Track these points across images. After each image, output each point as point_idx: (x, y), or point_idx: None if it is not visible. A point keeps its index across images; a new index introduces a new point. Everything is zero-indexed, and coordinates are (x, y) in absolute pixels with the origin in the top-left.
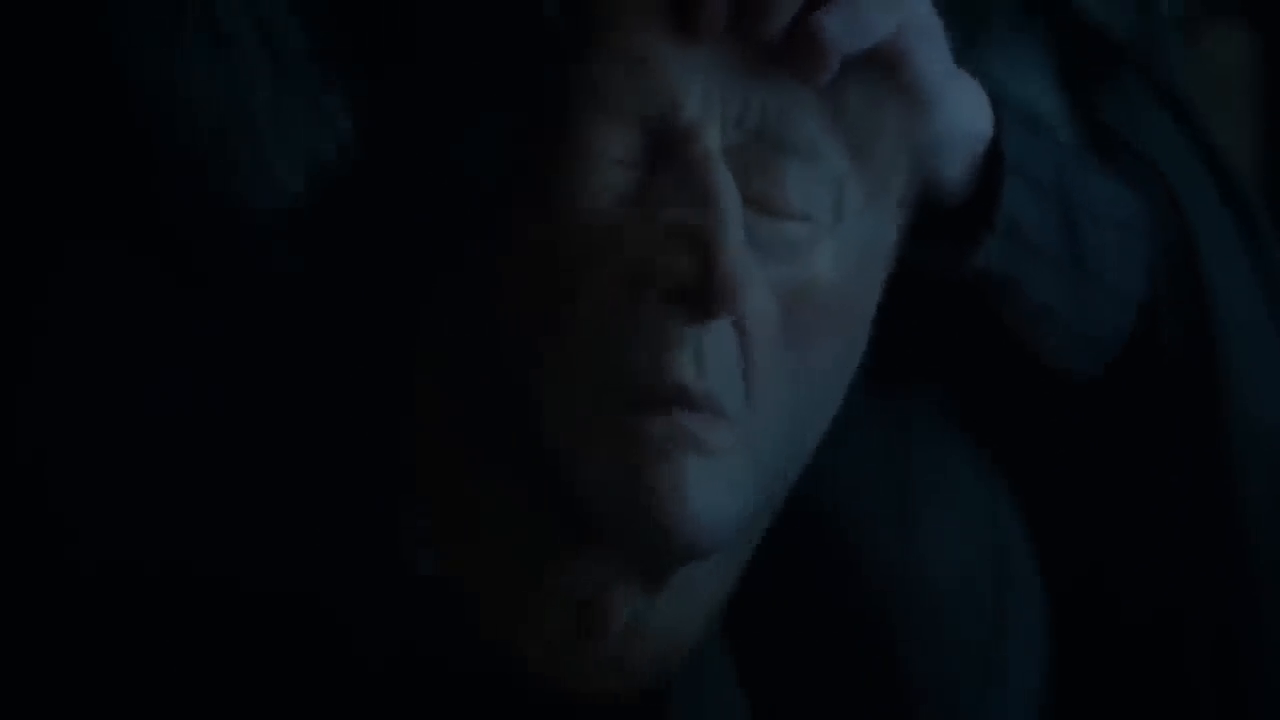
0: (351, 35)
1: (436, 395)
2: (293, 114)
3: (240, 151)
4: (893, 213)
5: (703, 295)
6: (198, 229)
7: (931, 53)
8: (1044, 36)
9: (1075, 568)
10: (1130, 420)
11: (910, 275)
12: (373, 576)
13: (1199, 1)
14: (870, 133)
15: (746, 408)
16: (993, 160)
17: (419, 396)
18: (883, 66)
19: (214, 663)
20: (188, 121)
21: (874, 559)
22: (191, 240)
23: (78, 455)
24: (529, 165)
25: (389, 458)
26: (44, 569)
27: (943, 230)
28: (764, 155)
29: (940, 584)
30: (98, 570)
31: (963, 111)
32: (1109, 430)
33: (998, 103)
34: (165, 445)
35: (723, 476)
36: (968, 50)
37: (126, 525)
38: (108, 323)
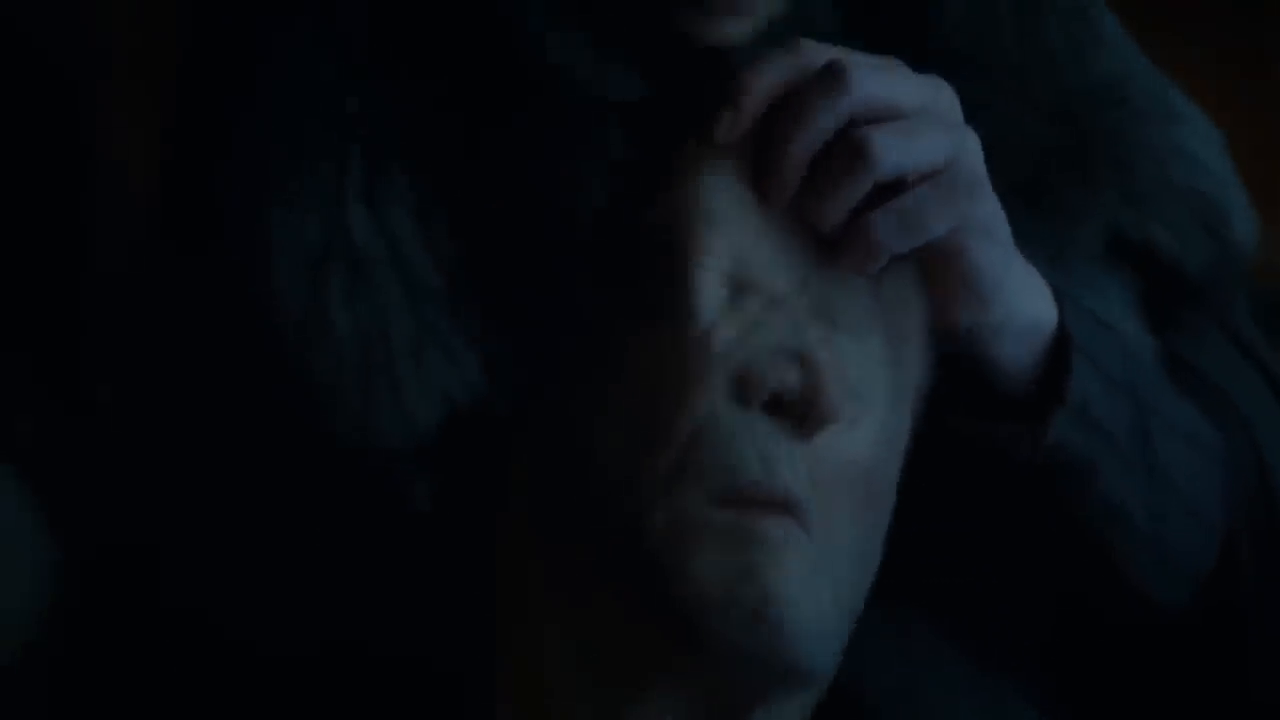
0: (479, 278)
1: (521, 530)
2: (428, 352)
3: (378, 386)
4: (914, 399)
5: (810, 409)
6: (330, 466)
7: (988, 250)
8: (1125, 269)
9: None
10: (1203, 667)
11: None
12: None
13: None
14: (899, 313)
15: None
16: (1059, 346)
17: (503, 531)
18: (937, 258)
19: None
20: (330, 352)
21: None
22: (321, 477)
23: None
24: (643, 289)
25: (471, 605)
26: None
27: (1012, 414)
28: (820, 327)
29: None
30: None
31: (1023, 301)
32: (1181, 676)
33: (1062, 294)
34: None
35: (825, 589)
36: (1056, 274)
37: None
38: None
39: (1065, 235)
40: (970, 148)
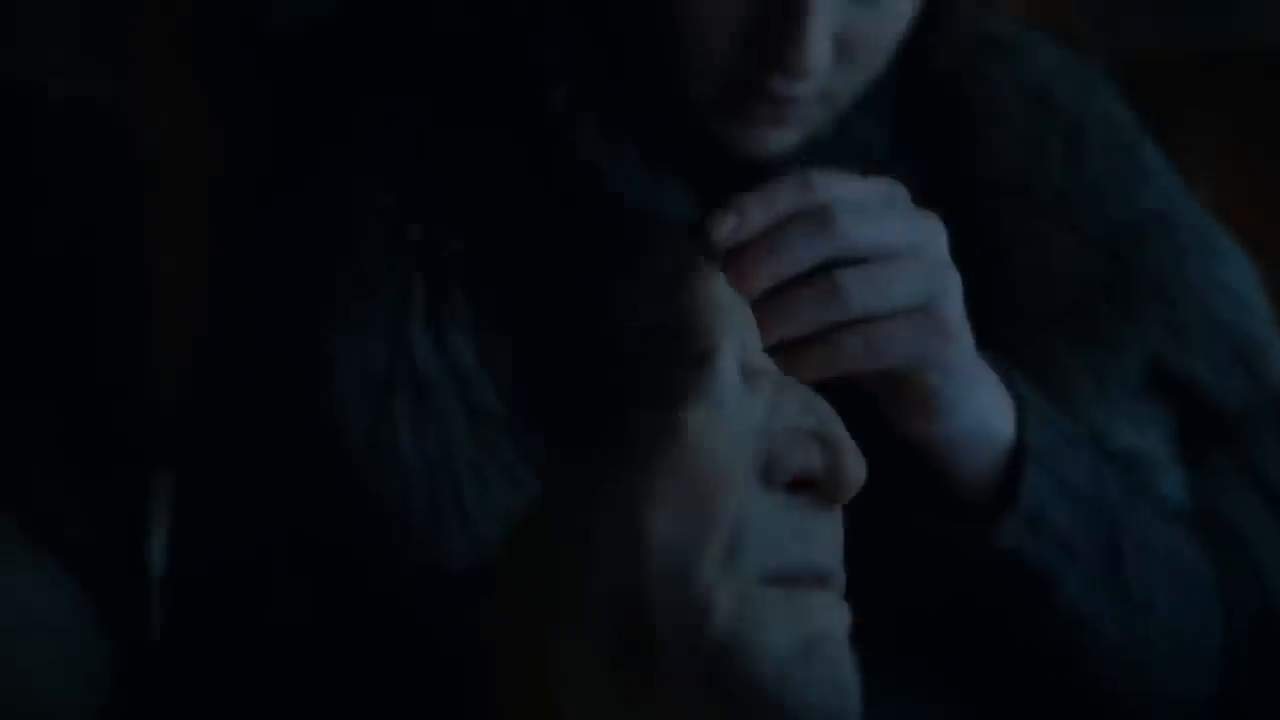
0: (538, 399)
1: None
2: (491, 475)
3: (445, 512)
4: None
5: (835, 486)
6: (398, 592)
7: (947, 380)
8: (1163, 401)
9: None
10: None
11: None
12: None
13: None
14: None
15: None
16: (1018, 456)
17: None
18: (893, 378)
19: None
20: (397, 478)
21: None
22: (389, 605)
23: None
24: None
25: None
26: None
27: (971, 519)
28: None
29: None
30: None
31: (978, 415)
32: None
33: (1026, 405)
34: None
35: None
36: (1097, 404)
37: None
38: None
39: (1106, 365)
40: (951, 291)
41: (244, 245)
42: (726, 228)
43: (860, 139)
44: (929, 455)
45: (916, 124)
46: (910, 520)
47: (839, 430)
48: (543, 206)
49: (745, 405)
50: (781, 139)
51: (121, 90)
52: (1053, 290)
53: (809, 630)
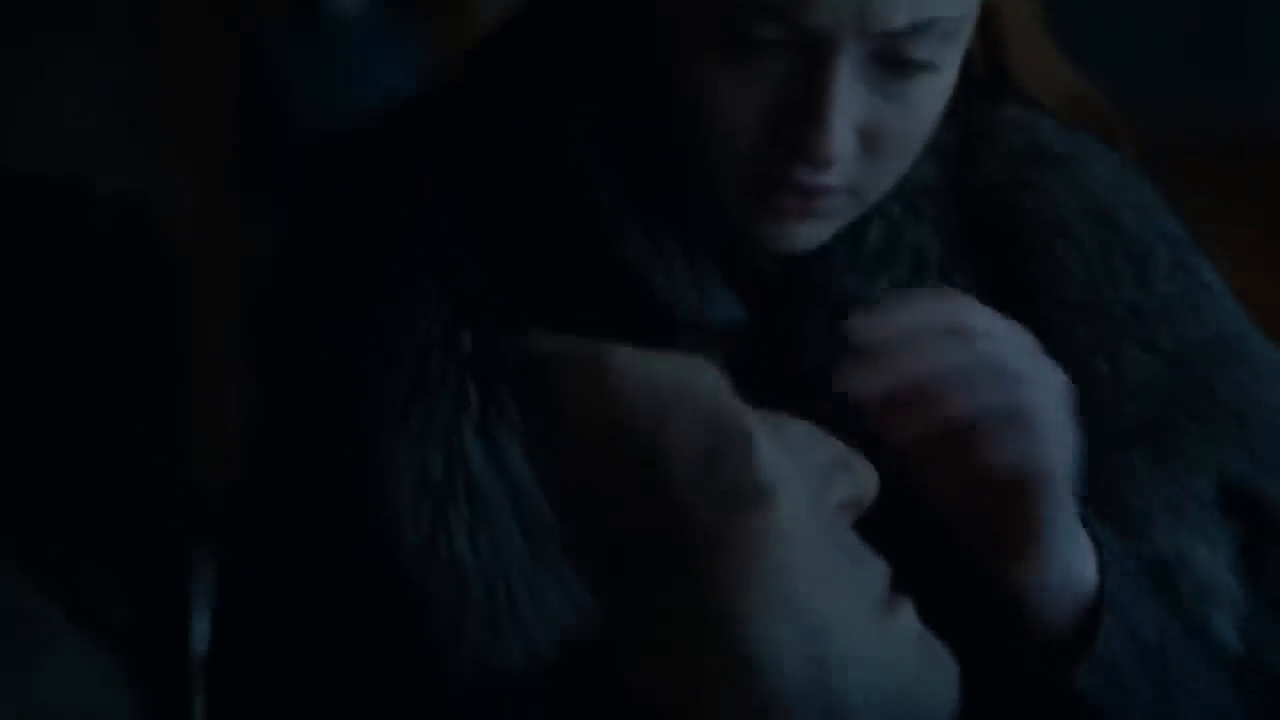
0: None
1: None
2: (543, 581)
3: (501, 618)
4: None
5: (862, 500)
6: (450, 694)
7: (1048, 522)
8: (1234, 519)
9: None
10: None
11: None
12: None
13: None
14: None
15: None
16: (1097, 603)
17: None
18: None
19: None
20: (453, 584)
21: None
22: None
23: None
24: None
25: None
26: None
27: (1038, 654)
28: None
29: None
30: None
31: (1068, 562)
32: None
33: (1106, 552)
34: None
35: None
36: (1172, 523)
37: None
38: None
39: (1182, 482)
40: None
41: (297, 344)
42: (869, 326)
43: (914, 247)
44: (1018, 599)
45: (970, 233)
46: (982, 654)
47: (858, 458)
48: (592, 314)
49: (784, 462)
50: (809, 234)
51: (162, 184)
52: (1127, 407)
53: (921, 632)
